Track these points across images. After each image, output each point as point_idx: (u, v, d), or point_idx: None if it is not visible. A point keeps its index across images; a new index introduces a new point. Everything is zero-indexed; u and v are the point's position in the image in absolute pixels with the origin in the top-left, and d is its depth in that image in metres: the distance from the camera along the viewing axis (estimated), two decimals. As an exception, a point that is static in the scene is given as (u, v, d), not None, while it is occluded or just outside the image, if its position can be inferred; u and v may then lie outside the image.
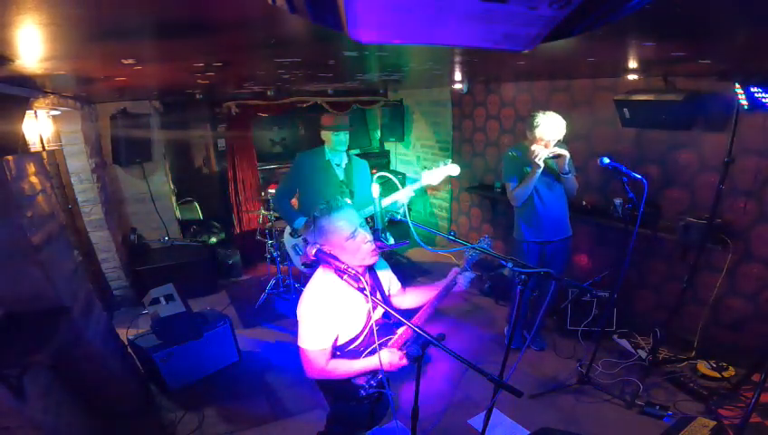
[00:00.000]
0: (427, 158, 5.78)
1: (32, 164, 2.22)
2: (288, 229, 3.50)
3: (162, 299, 3.02)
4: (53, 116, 3.46)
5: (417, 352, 1.42)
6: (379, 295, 1.81)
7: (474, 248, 1.80)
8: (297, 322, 1.66)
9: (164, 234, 4.85)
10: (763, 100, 2.40)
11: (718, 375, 2.83)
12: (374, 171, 3.38)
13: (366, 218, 2.67)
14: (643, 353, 3.17)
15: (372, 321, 1.66)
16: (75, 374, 2.29)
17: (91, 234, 3.90)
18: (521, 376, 2.98)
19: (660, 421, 2.53)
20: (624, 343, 3.38)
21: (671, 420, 2.47)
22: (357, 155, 3.35)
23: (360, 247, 1.65)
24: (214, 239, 5.19)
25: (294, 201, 3.34)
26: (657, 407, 2.61)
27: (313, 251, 1.61)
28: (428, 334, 1.40)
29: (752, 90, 2.42)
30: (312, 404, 2.77)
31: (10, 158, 1.97)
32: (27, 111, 2.45)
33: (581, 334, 3.43)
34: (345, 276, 1.61)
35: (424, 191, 5.84)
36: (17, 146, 2.28)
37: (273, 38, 1.58)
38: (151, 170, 4.74)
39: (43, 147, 3.30)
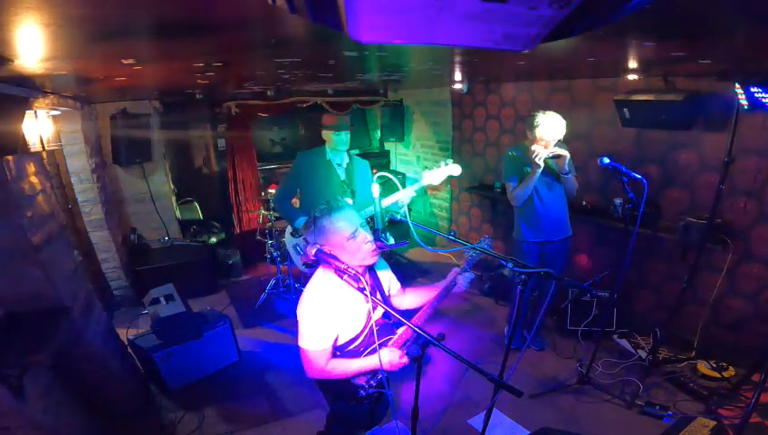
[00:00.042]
0: (427, 158, 5.78)
1: (32, 164, 2.22)
2: (289, 229, 3.50)
3: (162, 299, 3.02)
4: (53, 116, 3.46)
5: (417, 352, 1.42)
6: (378, 295, 1.81)
7: (474, 248, 1.80)
8: (297, 322, 1.66)
9: (164, 234, 4.85)
10: (763, 100, 2.40)
11: (718, 375, 2.83)
12: (374, 171, 3.37)
13: (366, 219, 2.67)
14: (643, 353, 3.17)
15: (372, 321, 1.66)
16: (75, 374, 2.29)
17: (91, 234, 3.90)
18: (521, 376, 2.98)
19: (660, 421, 2.53)
20: (624, 343, 3.38)
21: (671, 420, 2.47)
22: (357, 155, 3.34)
23: (360, 248, 1.65)
24: (214, 239, 5.19)
25: (295, 201, 3.33)
26: (657, 407, 2.61)
27: (313, 251, 1.61)
28: (428, 334, 1.40)
29: (752, 90, 2.43)
30: (312, 404, 2.77)
31: (10, 158, 1.97)
32: (27, 111, 2.45)
33: (581, 334, 3.43)
34: (345, 276, 1.61)
35: (424, 191, 5.84)
36: (17, 146, 2.28)
37: (273, 38, 1.58)
38: (151, 170, 4.74)
39: (43, 147, 3.30)
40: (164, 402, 2.91)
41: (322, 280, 1.70)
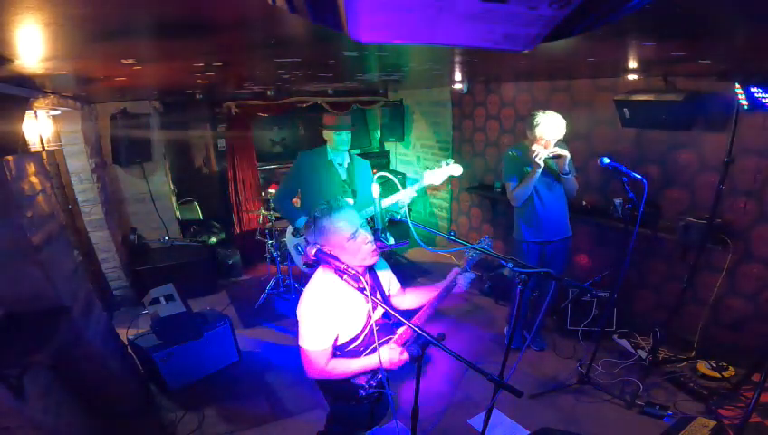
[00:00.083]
0: (428, 158, 5.78)
1: (32, 164, 2.22)
2: (290, 229, 3.50)
3: (162, 299, 3.02)
4: (53, 116, 3.46)
5: (417, 352, 1.42)
6: (378, 295, 1.81)
7: (474, 248, 1.80)
8: (297, 322, 1.66)
9: (164, 234, 4.85)
10: (763, 100, 2.40)
11: (718, 375, 2.83)
12: (374, 171, 3.37)
13: (367, 219, 2.67)
14: (643, 353, 3.17)
15: (372, 321, 1.66)
16: (75, 374, 2.29)
17: (91, 234, 3.90)
18: (521, 376, 2.98)
19: (660, 421, 2.53)
20: (624, 343, 3.38)
21: (671, 420, 2.47)
22: (357, 155, 3.34)
23: (360, 248, 1.65)
24: (214, 239, 5.19)
25: (296, 201, 3.33)
26: (657, 407, 2.61)
27: (313, 251, 1.61)
28: (428, 334, 1.40)
29: (752, 90, 2.42)
30: (312, 404, 2.77)
31: (10, 158, 1.97)
32: (27, 111, 2.45)
33: (581, 334, 3.43)
34: (345, 276, 1.61)
35: (424, 191, 5.84)
36: (17, 146, 2.28)
37: (273, 38, 1.58)
38: (151, 170, 4.74)
39: (43, 147, 3.30)
40: (164, 402, 2.91)
41: (322, 280, 1.70)
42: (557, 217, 3.02)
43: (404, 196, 2.70)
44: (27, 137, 2.65)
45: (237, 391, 3.03)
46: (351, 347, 1.73)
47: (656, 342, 3.12)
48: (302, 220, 3.08)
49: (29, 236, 1.94)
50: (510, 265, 1.59)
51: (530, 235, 3.04)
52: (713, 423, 1.99)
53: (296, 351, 1.70)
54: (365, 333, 1.74)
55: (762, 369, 2.30)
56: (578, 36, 0.60)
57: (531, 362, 3.22)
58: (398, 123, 5.94)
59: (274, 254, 4.21)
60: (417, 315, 1.85)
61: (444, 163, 2.79)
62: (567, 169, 2.84)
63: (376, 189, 2.08)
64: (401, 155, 6.32)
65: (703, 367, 2.94)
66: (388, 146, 6.51)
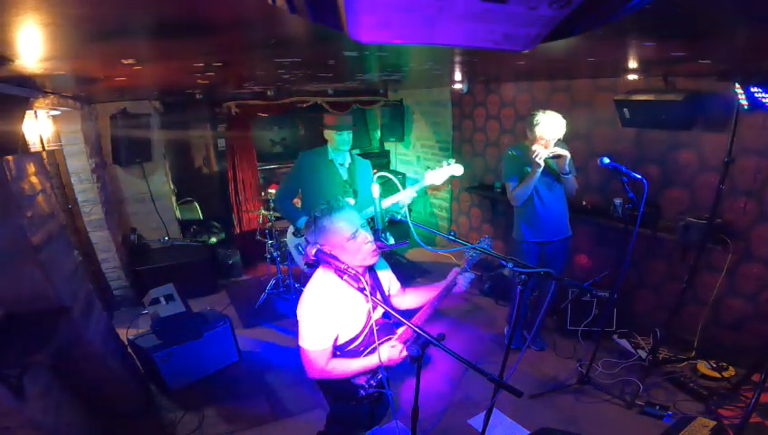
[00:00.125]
0: (428, 158, 5.78)
1: (32, 164, 2.22)
2: (291, 229, 3.50)
3: (162, 299, 3.02)
4: (53, 116, 3.46)
5: (417, 352, 1.42)
6: (378, 295, 1.81)
7: (474, 248, 1.80)
8: (297, 322, 1.66)
9: (164, 234, 4.85)
10: (763, 100, 2.40)
11: (718, 375, 2.83)
12: (374, 171, 3.37)
13: (367, 219, 2.67)
14: (643, 353, 3.17)
15: (372, 321, 1.66)
16: (75, 374, 2.28)
17: (91, 234, 3.90)
18: (521, 376, 2.98)
19: (660, 421, 2.53)
20: (624, 343, 3.38)
21: (671, 420, 2.47)
22: (357, 155, 3.34)
23: (360, 248, 1.65)
24: (214, 239, 5.19)
25: (297, 201, 3.33)
26: (657, 407, 2.61)
27: (313, 251, 1.61)
28: (428, 334, 1.40)
29: (752, 90, 2.42)
30: (312, 404, 2.77)
31: (10, 158, 1.97)
32: (27, 111, 2.45)
33: (581, 334, 3.43)
34: (345, 276, 1.61)
35: (424, 191, 5.84)
36: (17, 146, 2.28)
37: (273, 38, 1.58)
38: (151, 170, 4.74)
39: (43, 147, 3.30)
40: (164, 402, 2.91)
41: (322, 280, 1.70)
42: (557, 217, 3.02)
43: (404, 196, 2.69)
44: (27, 137, 2.65)
45: (237, 391, 3.03)
46: (351, 347, 1.73)
47: (656, 342, 3.12)
48: (302, 220, 3.08)
49: (29, 236, 1.94)
50: (510, 265, 1.59)
51: (530, 235, 3.04)
52: (713, 423, 1.99)
53: (296, 351, 1.70)
54: (365, 332, 1.74)
55: (762, 369, 2.30)
56: (578, 36, 0.60)
57: (531, 362, 3.22)
58: (398, 123, 5.94)
59: (274, 254, 4.21)
60: (417, 315, 1.85)
61: (445, 163, 2.78)
62: (567, 168, 2.84)
63: (376, 189, 2.08)
64: (401, 155, 6.32)
65: (703, 367, 2.94)
66: (388, 146, 6.51)
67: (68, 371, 2.22)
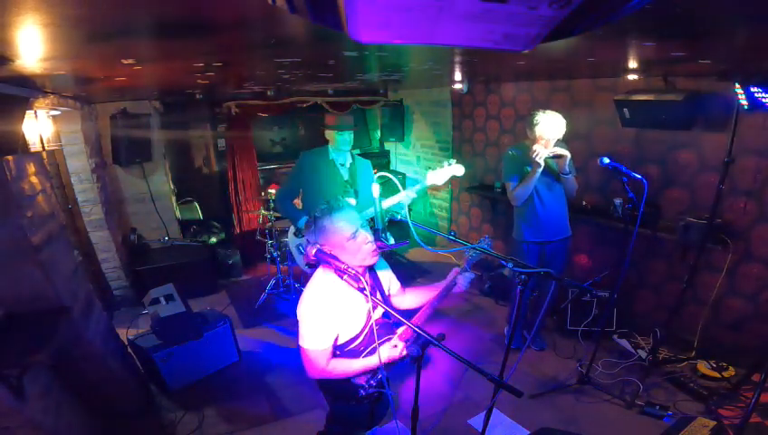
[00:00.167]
0: (428, 158, 5.78)
1: (32, 164, 2.22)
2: (292, 229, 3.49)
3: (162, 299, 3.02)
4: (53, 116, 3.46)
5: (417, 353, 1.42)
6: (378, 295, 1.81)
7: (474, 248, 1.80)
8: (297, 322, 1.66)
9: (164, 234, 4.85)
10: (763, 100, 2.40)
11: (718, 375, 2.83)
12: (375, 171, 3.37)
13: (367, 220, 2.67)
14: (643, 353, 3.17)
15: (372, 321, 1.66)
16: (75, 374, 2.29)
17: (91, 234, 3.90)
18: (521, 376, 2.98)
19: (660, 421, 2.53)
20: (624, 343, 3.38)
21: (671, 420, 2.47)
22: (358, 155, 3.34)
23: (360, 248, 1.65)
24: (214, 239, 5.19)
25: (297, 201, 3.33)
26: (657, 407, 2.61)
27: (313, 251, 1.61)
28: (428, 334, 1.40)
29: (752, 90, 2.42)
30: (312, 404, 2.77)
31: (10, 158, 1.97)
32: (27, 111, 2.45)
33: (581, 334, 3.43)
34: (345, 276, 1.61)
35: (424, 191, 5.84)
36: (17, 146, 2.28)
37: (273, 38, 1.58)
38: (151, 170, 4.74)
39: (43, 147, 3.30)
40: (164, 402, 2.91)
41: (322, 280, 1.70)
42: (557, 217, 3.02)
43: (405, 196, 2.69)
44: (27, 137, 2.65)
45: (237, 391, 3.04)
46: (351, 347, 1.73)
47: (656, 342, 3.12)
48: (303, 220, 3.08)
49: (29, 236, 1.94)
50: (510, 265, 1.59)
51: (530, 235, 3.04)
52: (713, 423, 1.99)
53: (296, 351, 1.70)
54: (365, 332, 1.74)
55: (762, 369, 2.30)
56: (578, 36, 0.60)
57: (531, 362, 3.22)
58: (398, 123, 5.94)
59: (274, 254, 4.21)
60: (417, 315, 1.85)
61: (446, 163, 2.78)
62: (567, 168, 2.84)
63: (376, 189, 2.08)
64: (401, 155, 6.32)
65: (703, 367, 2.95)
66: (388, 146, 6.51)
67: (68, 371, 2.22)
